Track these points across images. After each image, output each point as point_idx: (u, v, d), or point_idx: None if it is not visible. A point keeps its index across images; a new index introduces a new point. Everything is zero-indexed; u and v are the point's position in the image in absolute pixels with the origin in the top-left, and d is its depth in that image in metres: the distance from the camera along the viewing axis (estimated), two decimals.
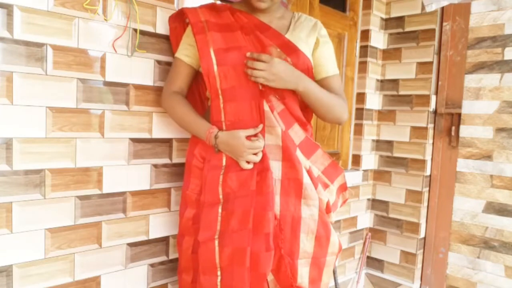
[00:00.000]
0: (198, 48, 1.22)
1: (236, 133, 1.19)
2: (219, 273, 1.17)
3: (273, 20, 1.30)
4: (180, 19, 1.34)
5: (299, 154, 1.25)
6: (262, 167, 1.20)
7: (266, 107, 1.22)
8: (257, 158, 1.19)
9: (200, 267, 1.21)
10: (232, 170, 1.21)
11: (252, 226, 1.16)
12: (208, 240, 1.19)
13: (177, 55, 1.31)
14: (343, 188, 1.41)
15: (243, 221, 1.16)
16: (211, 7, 1.30)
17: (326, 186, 1.31)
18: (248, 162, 1.20)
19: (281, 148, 1.22)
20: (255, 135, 1.20)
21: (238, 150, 1.18)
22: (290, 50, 1.24)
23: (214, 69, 1.20)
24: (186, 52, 1.29)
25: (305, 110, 1.32)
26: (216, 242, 1.18)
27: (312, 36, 1.30)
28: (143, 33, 1.33)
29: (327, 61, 1.32)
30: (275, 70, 1.17)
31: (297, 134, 1.26)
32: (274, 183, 1.21)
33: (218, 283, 1.18)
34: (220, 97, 1.22)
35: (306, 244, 1.23)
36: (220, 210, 1.20)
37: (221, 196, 1.21)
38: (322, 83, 1.32)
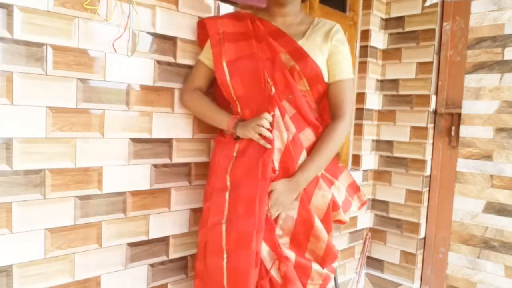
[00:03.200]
0: (214, 61, 1.32)
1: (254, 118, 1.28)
2: (225, 255, 1.21)
3: (291, 26, 1.34)
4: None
5: (304, 156, 1.28)
6: (263, 159, 1.24)
7: (277, 112, 1.26)
8: (266, 132, 1.23)
9: (207, 250, 1.25)
10: (240, 159, 1.27)
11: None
12: (216, 225, 1.24)
13: (199, 57, 1.40)
14: (354, 188, 1.44)
15: (249, 208, 1.19)
16: (233, 16, 1.37)
17: (331, 183, 1.34)
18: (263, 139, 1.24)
19: (282, 153, 1.26)
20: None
21: (250, 123, 1.25)
22: (298, 56, 1.28)
23: (227, 80, 1.29)
24: (207, 56, 1.37)
25: (322, 113, 1.36)
26: (224, 226, 1.22)
27: (326, 42, 1.32)
28: (143, 33, 1.33)
29: (337, 66, 1.34)
30: (277, 201, 1.24)
31: (307, 138, 1.30)
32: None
33: (224, 265, 1.20)
34: (237, 103, 1.31)
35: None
36: (227, 197, 1.25)
37: (228, 183, 1.26)
38: (330, 87, 1.35)
